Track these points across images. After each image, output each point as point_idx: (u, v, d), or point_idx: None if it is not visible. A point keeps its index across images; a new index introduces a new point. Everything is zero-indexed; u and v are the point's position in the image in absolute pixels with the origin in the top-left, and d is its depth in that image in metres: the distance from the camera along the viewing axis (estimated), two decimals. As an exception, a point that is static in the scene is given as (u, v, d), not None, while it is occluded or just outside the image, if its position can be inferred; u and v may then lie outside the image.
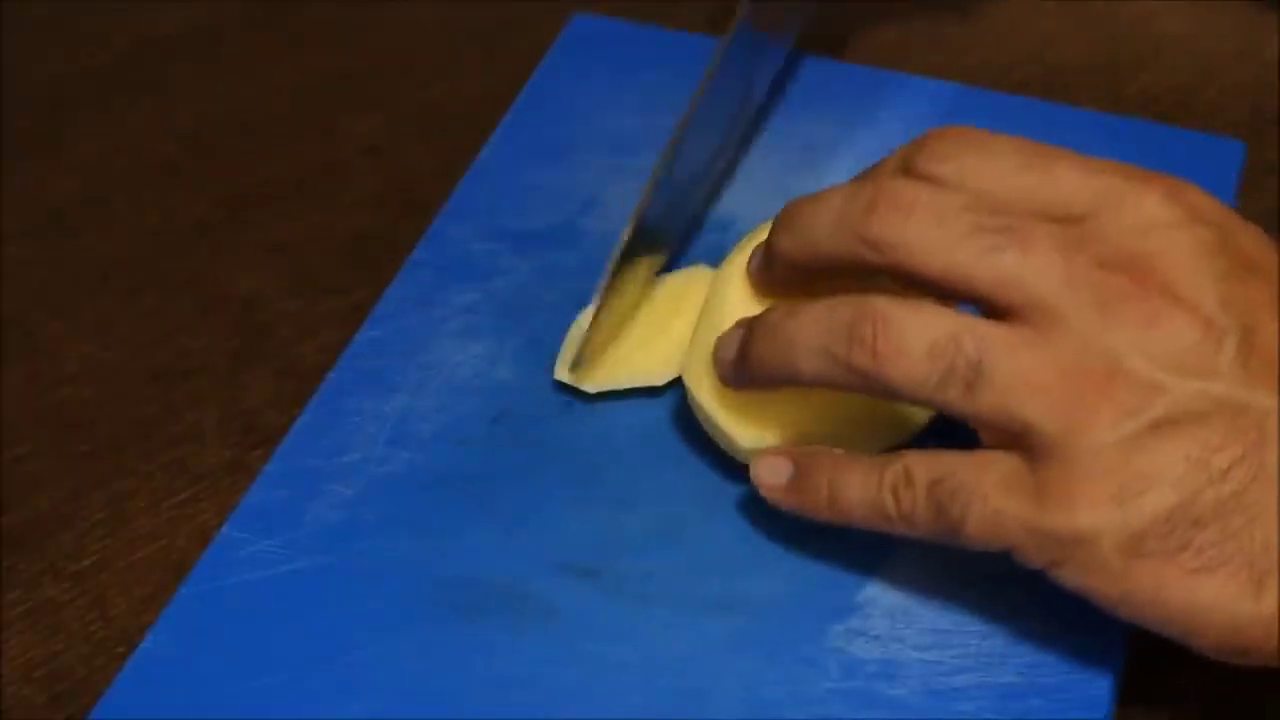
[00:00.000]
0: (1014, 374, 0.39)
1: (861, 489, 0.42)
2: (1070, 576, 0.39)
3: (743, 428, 0.45)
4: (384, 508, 0.46)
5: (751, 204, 0.54)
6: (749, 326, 0.43)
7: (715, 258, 0.52)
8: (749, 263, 0.45)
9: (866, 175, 0.44)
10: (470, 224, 0.54)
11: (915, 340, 0.39)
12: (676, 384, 0.49)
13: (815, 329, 0.41)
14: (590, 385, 0.48)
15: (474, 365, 0.50)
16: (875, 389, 0.40)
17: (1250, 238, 0.41)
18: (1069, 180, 0.41)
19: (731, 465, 0.46)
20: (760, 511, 0.45)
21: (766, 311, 0.43)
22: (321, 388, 0.50)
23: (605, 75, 0.59)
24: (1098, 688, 0.42)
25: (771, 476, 0.44)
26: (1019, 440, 0.39)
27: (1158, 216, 0.40)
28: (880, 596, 0.44)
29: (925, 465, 0.41)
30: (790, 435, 0.45)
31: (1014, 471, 0.39)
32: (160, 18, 0.66)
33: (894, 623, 0.43)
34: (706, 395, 0.45)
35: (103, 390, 0.53)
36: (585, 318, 0.49)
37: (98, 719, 0.43)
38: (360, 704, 0.42)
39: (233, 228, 0.58)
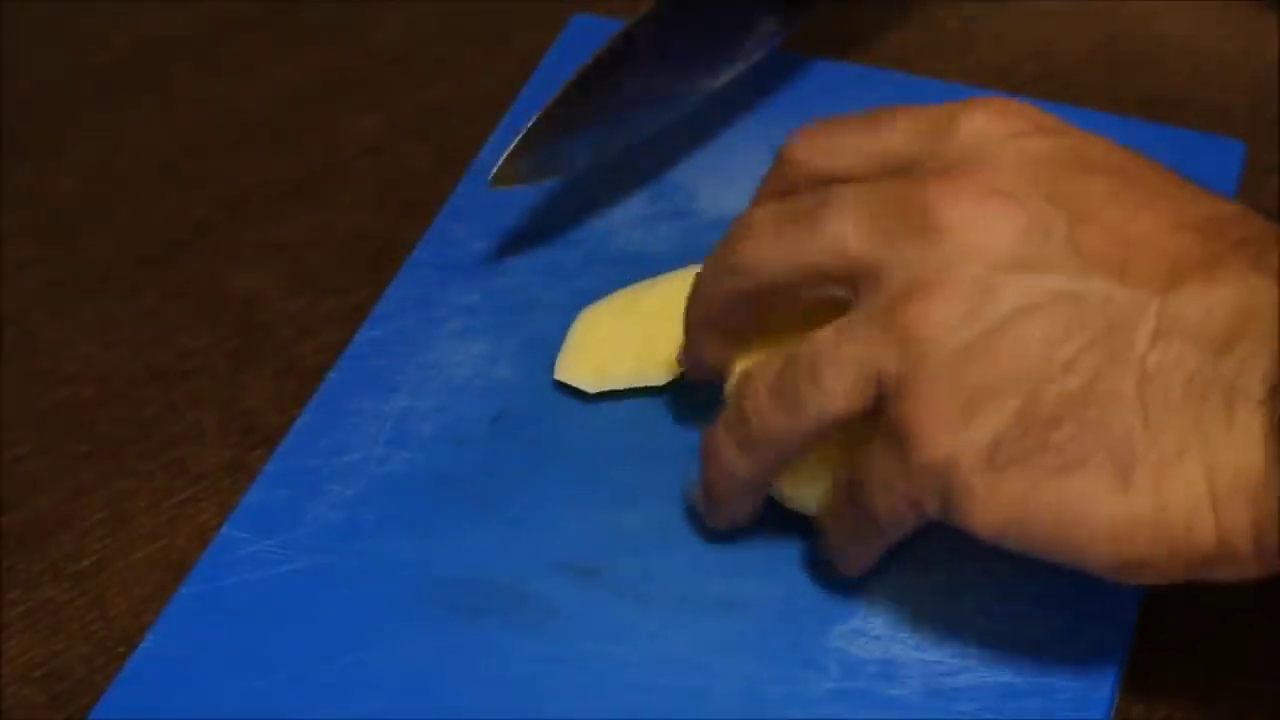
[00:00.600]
0: (848, 355, 0.38)
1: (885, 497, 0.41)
2: (953, 514, 0.38)
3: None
4: (384, 508, 0.46)
5: (749, 203, 0.54)
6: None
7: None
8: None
9: None
10: (470, 224, 0.54)
11: (769, 380, 0.41)
12: (676, 384, 0.49)
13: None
14: (590, 385, 0.48)
15: (474, 365, 0.50)
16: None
17: (1099, 146, 0.39)
18: (903, 127, 0.41)
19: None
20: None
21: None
22: (321, 388, 0.50)
23: (605, 75, 0.59)
24: (1098, 688, 0.42)
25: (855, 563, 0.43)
26: (881, 396, 0.38)
27: (987, 132, 0.39)
28: (880, 596, 0.44)
29: (844, 478, 0.41)
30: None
31: (884, 432, 0.38)
32: (160, 18, 0.66)
33: (894, 623, 0.43)
34: None
35: (103, 390, 0.53)
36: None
37: (98, 719, 0.43)
38: (360, 704, 0.42)
39: (233, 228, 0.58)
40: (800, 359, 0.40)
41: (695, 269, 0.51)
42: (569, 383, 0.49)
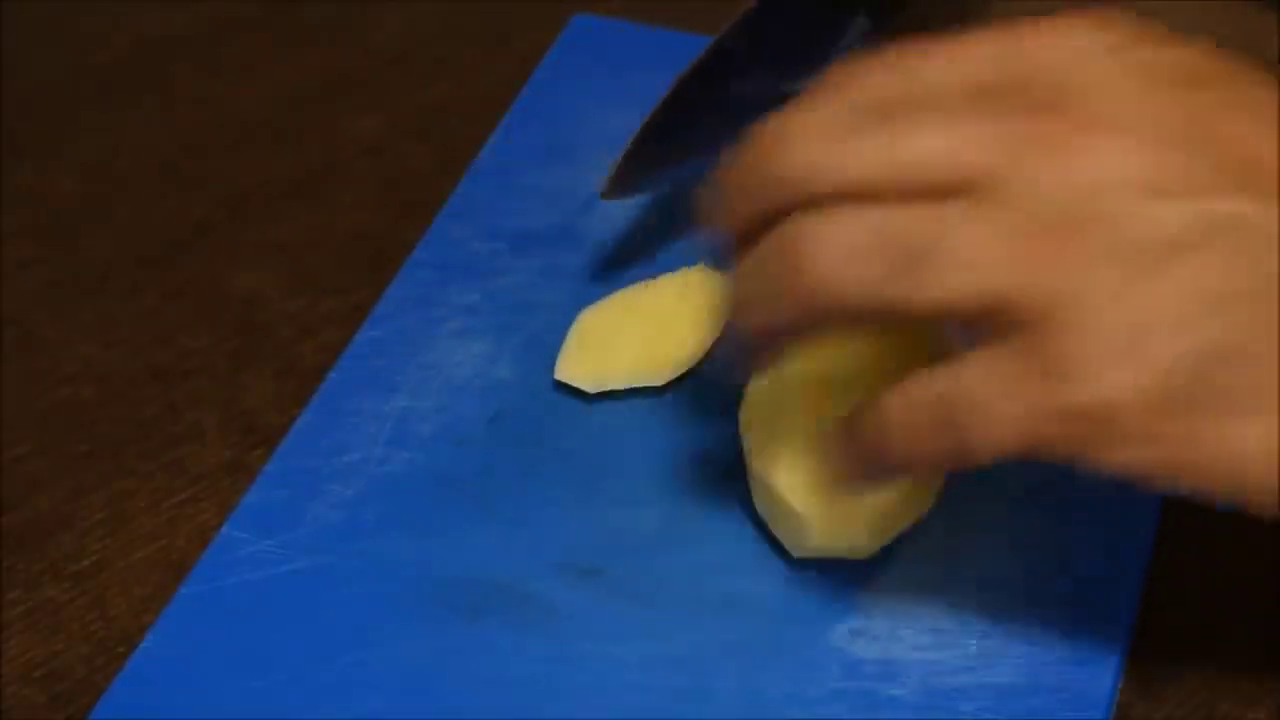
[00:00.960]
0: (968, 249, 0.34)
1: (903, 426, 0.37)
2: (1103, 455, 0.35)
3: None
4: (384, 508, 0.46)
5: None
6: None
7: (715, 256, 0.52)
8: None
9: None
10: (470, 224, 0.54)
11: (840, 249, 0.35)
12: (676, 384, 0.49)
13: (750, 274, 0.37)
14: (590, 385, 0.48)
15: (474, 365, 0.50)
16: (828, 318, 0.36)
17: (1199, 52, 0.37)
18: (985, 44, 0.36)
19: (731, 465, 0.46)
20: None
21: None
22: (321, 388, 0.50)
23: (605, 75, 0.59)
24: (1098, 687, 0.42)
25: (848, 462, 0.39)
26: (1002, 325, 0.35)
27: (1085, 47, 0.36)
28: (880, 596, 0.44)
29: (921, 386, 0.36)
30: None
31: (1012, 362, 0.35)
32: (160, 18, 0.66)
33: (894, 623, 0.43)
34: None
35: (103, 390, 0.53)
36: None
37: (98, 719, 0.43)
38: (360, 704, 0.42)
39: (233, 228, 0.58)
40: (901, 234, 0.35)
41: (696, 269, 0.51)
42: (569, 383, 0.49)
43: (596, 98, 0.58)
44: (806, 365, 0.44)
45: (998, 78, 0.36)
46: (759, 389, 0.45)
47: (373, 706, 0.42)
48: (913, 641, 0.43)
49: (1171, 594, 0.45)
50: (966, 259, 0.34)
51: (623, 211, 0.54)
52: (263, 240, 0.57)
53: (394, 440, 0.48)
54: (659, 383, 0.49)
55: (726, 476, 0.47)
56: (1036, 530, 0.45)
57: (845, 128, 0.36)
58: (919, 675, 0.42)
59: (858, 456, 0.39)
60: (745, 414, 0.45)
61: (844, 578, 0.44)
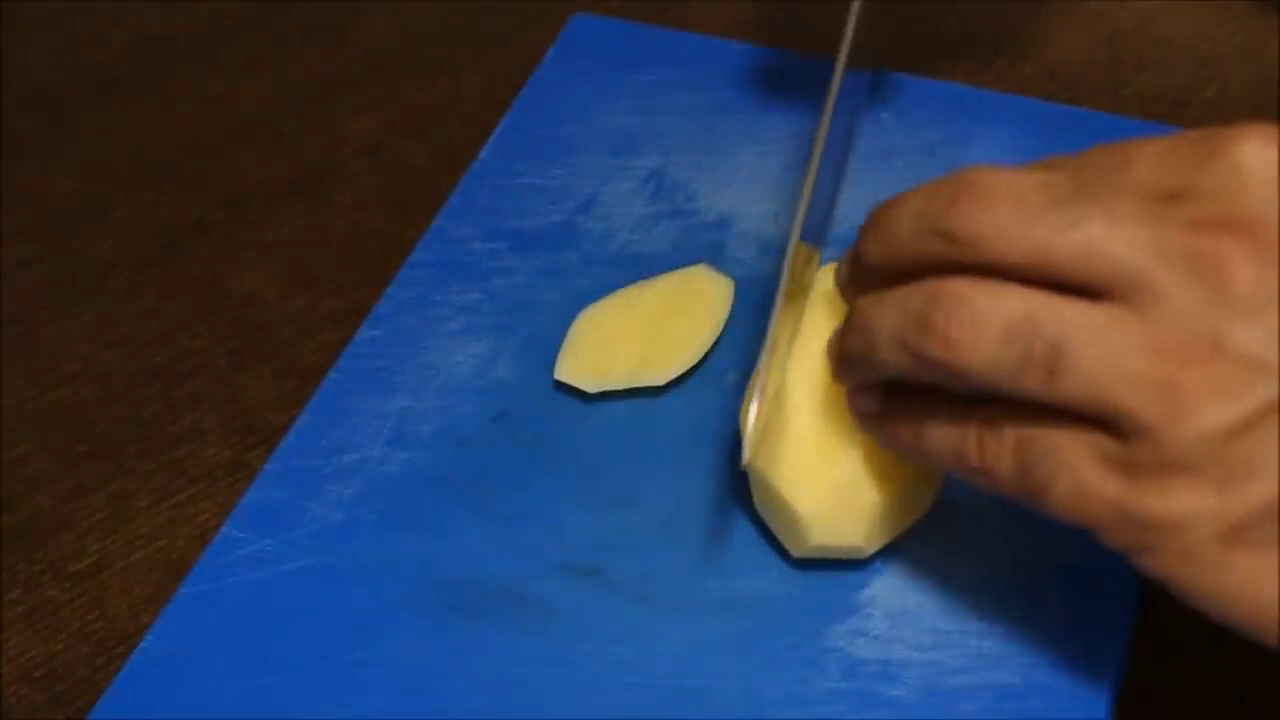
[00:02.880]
0: (1101, 357, 0.35)
1: (944, 432, 0.39)
2: (1159, 564, 0.36)
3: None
4: (384, 508, 0.47)
5: (749, 203, 0.54)
6: (845, 319, 0.41)
7: (715, 257, 0.52)
8: (836, 273, 0.42)
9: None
10: (470, 224, 0.54)
11: (990, 323, 0.36)
12: (676, 384, 0.49)
13: (892, 316, 0.38)
14: (590, 385, 0.48)
15: (474, 365, 0.50)
16: (952, 377, 0.37)
17: None
18: (1149, 161, 0.37)
19: (731, 465, 0.46)
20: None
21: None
22: (321, 388, 0.50)
23: (605, 75, 0.59)
24: (1098, 688, 0.42)
25: (862, 405, 0.41)
26: (1111, 422, 0.36)
27: (1255, 170, 0.36)
28: (880, 597, 0.44)
29: (1015, 418, 0.37)
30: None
31: (1107, 446, 0.36)
32: (160, 17, 0.67)
33: (894, 623, 0.43)
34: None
35: (103, 390, 0.53)
36: (752, 393, 0.42)
37: (97, 719, 0.43)
38: (360, 704, 0.42)
39: (233, 228, 0.58)
40: (1040, 327, 0.36)
41: (696, 269, 0.51)
42: (569, 383, 0.49)
43: (596, 98, 0.58)
44: (808, 365, 0.44)
45: (1182, 184, 0.36)
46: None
47: (373, 706, 0.42)
48: (913, 642, 0.43)
49: (1172, 595, 0.44)
50: (1094, 370, 0.35)
51: (623, 211, 0.54)
52: (263, 240, 0.57)
53: (394, 440, 0.48)
54: (659, 383, 0.49)
55: (726, 476, 0.47)
56: (1036, 531, 0.45)
57: (1034, 205, 0.36)
58: (919, 676, 0.42)
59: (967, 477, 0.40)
60: (745, 414, 0.45)
61: (844, 578, 0.44)
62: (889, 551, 0.44)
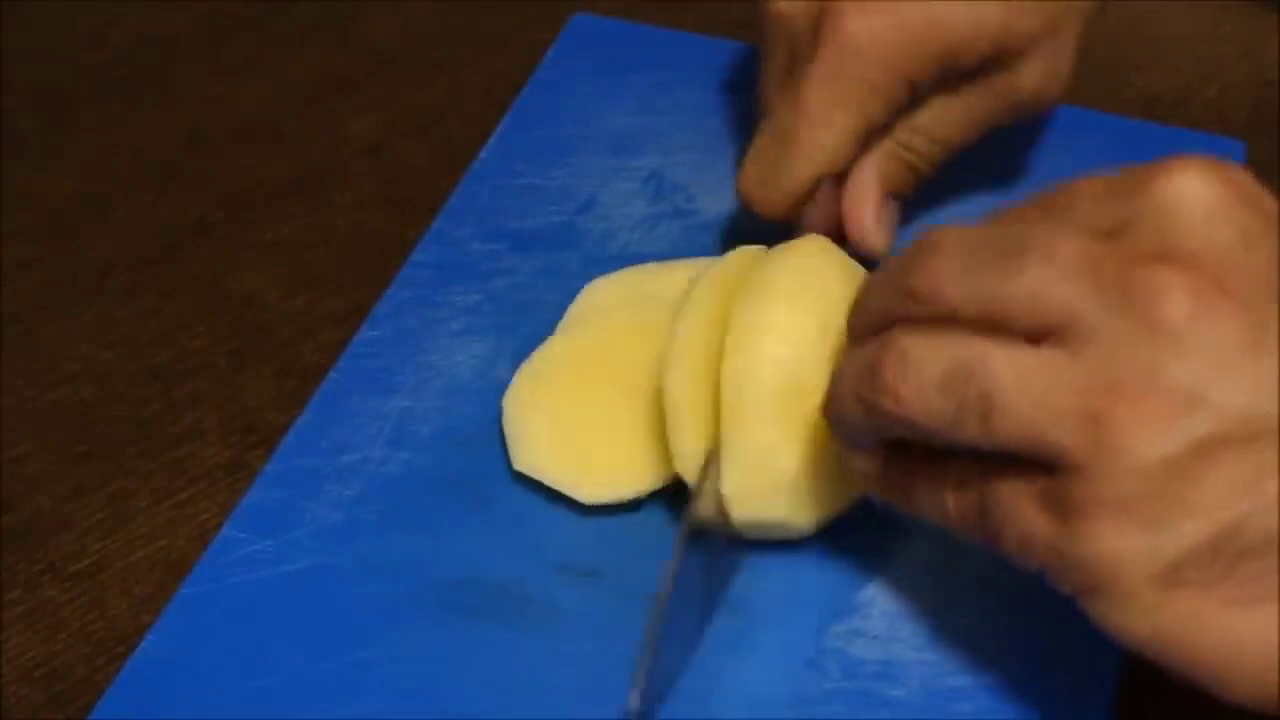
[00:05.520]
0: (1029, 397, 0.35)
1: (928, 489, 0.40)
2: (1098, 607, 0.36)
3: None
4: (384, 508, 0.46)
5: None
6: None
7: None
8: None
9: None
10: (470, 224, 0.54)
11: (928, 374, 0.37)
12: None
13: (849, 374, 0.39)
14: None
15: (474, 365, 0.50)
16: (904, 429, 0.38)
17: None
18: (1087, 196, 0.37)
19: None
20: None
21: None
22: (321, 388, 0.50)
23: (605, 75, 0.59)
24: (1098, 688, 0.42)
25: (862, 466, 0.42)
26: (1049, 462, 0.36)
27: (1191, 204, 0.36)
28: (880, 597, 0.44)
29: (977, 471, 0.38)
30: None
31: (1046, 487, 0.36)
32: (160, 17, 0.67)
33: (894, 623, 0.43)
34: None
35: (103, 390, 0.53)
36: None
37: (97, 719, 0.43)
38: (360, 704, 0.42)
39: (233, 228, 0.58)
40: (972, 375, 0.36)
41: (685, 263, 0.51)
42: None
43: (596, 98, 0.58)
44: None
45: (1121, 220, 0.36)
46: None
47: (373, 706, 0.42)
48: (912, 642, 0.43)
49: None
50: (1023, 411, 0.36)
51: (623, 211, 0.54)
52: (263, 240, 0.57)
53: (394, 440, 0.48)
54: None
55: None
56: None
57: (984, 255, 0.37)
58: (918, 676, 0.42)
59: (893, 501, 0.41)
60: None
61: (844, 578, 0.44)
62: (889, 552, 0.44)
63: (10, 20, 0.67)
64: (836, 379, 0.40)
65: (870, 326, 0.40)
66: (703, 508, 0.43)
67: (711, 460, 0.43)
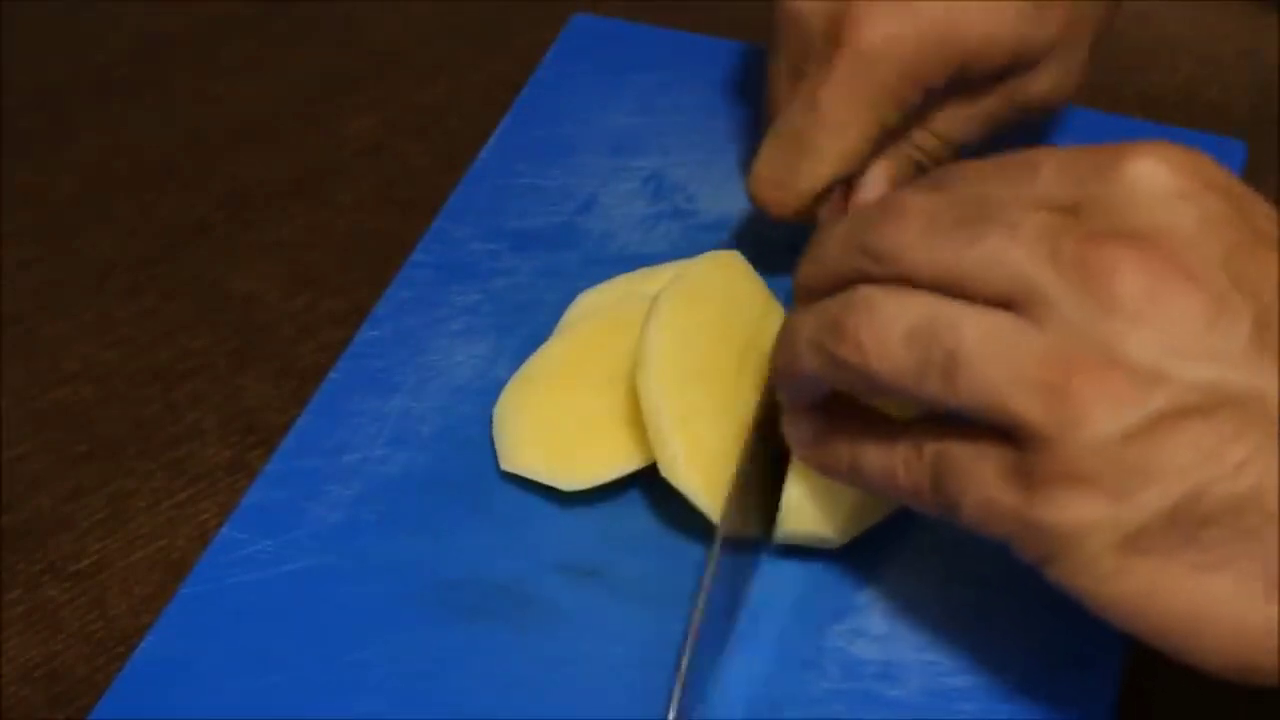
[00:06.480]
0: (995, 362, 0.36)
1: (877, 454, 0.40)
2: (1062, 574, 0.37)
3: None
4: (384, 508, 0.46)
5: (748, 203, 0.54)
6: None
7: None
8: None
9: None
10: (470, 224, 0.54)
11: (894, 327, 0.37)
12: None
13: (810, 324, 0.39)
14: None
15: (474, 365, 0.50)
16: (865, 385, 0.38)
17: (1260, 208, 0.37)
18: (1053, 172, 0.38)
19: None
20: (760, 511, 0.45)
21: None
22: (321, 388, 0.50)
23: (605, 75, 0.59)
24: (1098, 689, 0.42)
25: (797, 432, 0.42)
26: (1009, 431, 0.36)
27: (1156, 186, 0.37)
28: (880, 597, 0.44)
29: (933, 437, 0.39)
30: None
31: (1008, 457, 0.37)
32: (160, 18, 0.67)
33: (894, 623, 0.43)
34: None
35: (103, 390, 0.53)
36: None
37: (97, 719, 0.43)
38: (360, 704, 0.42)
39: (233, 228, 0.58)
40: (938, 332, 0.37)
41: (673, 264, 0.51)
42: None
43: (596, 98, 0.58)
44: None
45: (1080, 197, 0.37)
46: None
47: (373, 706, 0.42)
48: (912, 641, 0.43)
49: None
50: (989, 375, 0.36)
51: (623, 211, 0.54)
52: (263, 240, 0.57)
53: (394, 440, 0.48)
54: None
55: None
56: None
57: (944, 222, 0.38)
58: (919, 675, 0.42)
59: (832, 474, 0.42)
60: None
61: (844, 578, 0.44)
62: (889, 552, 0.44)
63: (10, 20, 0.67)
64: (789, 328, 0.41)
65: (829, 280, 0.40)
66: (734, 519, 0.43)
67: (742, 475, 0.43)
